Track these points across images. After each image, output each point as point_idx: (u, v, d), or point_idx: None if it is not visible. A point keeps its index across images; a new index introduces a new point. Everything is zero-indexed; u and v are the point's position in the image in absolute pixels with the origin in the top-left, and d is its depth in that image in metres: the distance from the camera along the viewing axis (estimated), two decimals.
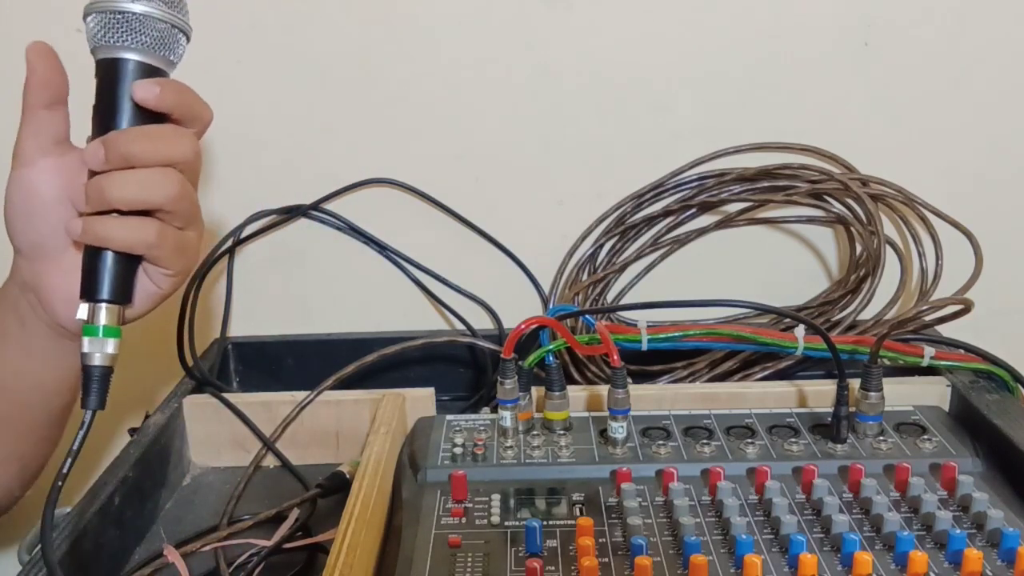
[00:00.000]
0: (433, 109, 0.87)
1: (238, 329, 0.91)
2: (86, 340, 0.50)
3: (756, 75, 0.85)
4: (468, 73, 0.86)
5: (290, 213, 0.90)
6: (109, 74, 0.49)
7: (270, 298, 0.93)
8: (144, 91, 0.49)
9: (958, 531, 0.50)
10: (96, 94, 0.50)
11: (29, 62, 0.50)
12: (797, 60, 0.85)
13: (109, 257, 0.50)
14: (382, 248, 0.91)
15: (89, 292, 0.50)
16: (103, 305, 0.50)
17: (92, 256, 0.50)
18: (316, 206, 0.89)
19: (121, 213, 0.50)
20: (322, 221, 0.90)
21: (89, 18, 0.49)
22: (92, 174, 0.49)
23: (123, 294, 0.51)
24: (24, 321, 0.56)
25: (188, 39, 0.51)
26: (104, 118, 0.49)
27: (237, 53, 0.85)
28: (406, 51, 0.85)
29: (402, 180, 0.89)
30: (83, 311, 0.50)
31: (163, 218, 0.51)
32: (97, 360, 0.50)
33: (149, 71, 0.50)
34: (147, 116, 0.50)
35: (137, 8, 0.48)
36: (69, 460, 0.47)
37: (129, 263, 0.51)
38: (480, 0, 0.84)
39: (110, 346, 0.50)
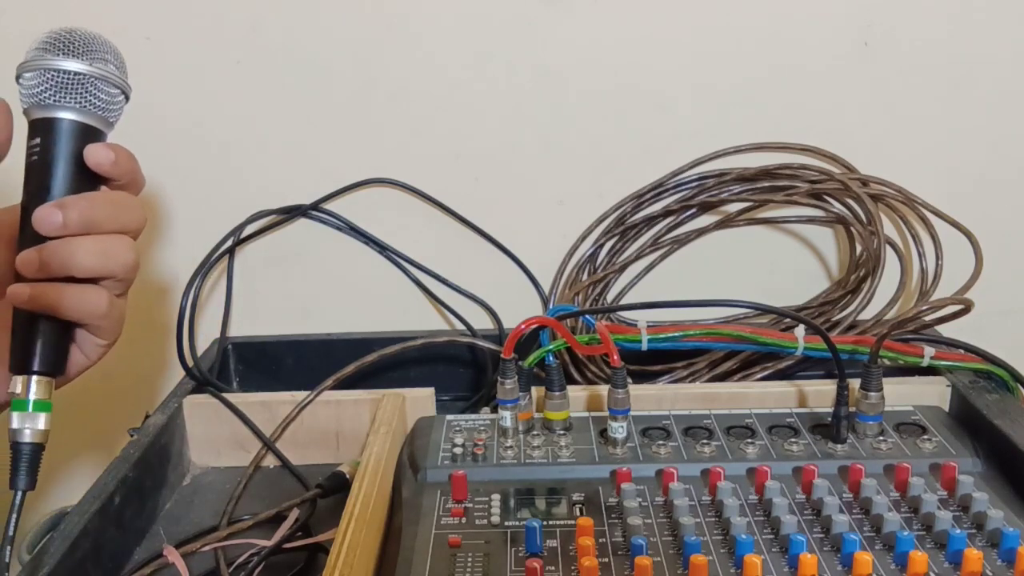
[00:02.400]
0: (433, 109, 0.87)
1: (238, 329, 0.91)
2: (15, 416, 0.46)
3: (756, 75, 0.85)
4: (468, 73, 0.86)
5: (290, 213, 0.90)
6: (48, 135, 0.46)
7: (270, 298, 0.93)
8: (99, 155, 0.47)
9: (958, 531, 0.50)
10: (31, 156, 0.47)
11: None
12: (797, 60, 0.84)
13: (46, 326, 0.47)
14: (382, 248, 0.91)
15: (22, 364, 0.47)
16: (35, 377, 0.47)
17: (26, 325, 0.47)
18: (316, 206, 0.89)
19: (74, 281, 0.47)
20: (322, 221, 0.90)
21: (26, 75, 0.46)
22: (31, 240, 0.46)
23: (57, 365, 0.48)
24: None
25: (127, 99, 0.49)
26: (42, 181, 0.46)
27: (237, 53, 0.85)
28: (406, 51, 0.85)
29: (402, 180, 0.89)
30: (14, 384, 0.47)
31: (108, 287, 0.48)
32: (27, 437, 0.46)
33: (89, 132, 0.47)
34: (89, 181, 0.47)
35: (79, 67, 0.46)
36: (8, 548, 0.45)
37: (66, 333, 0.48)
38: (480, 0, 0.84)
39: (41, 421, 0.46)
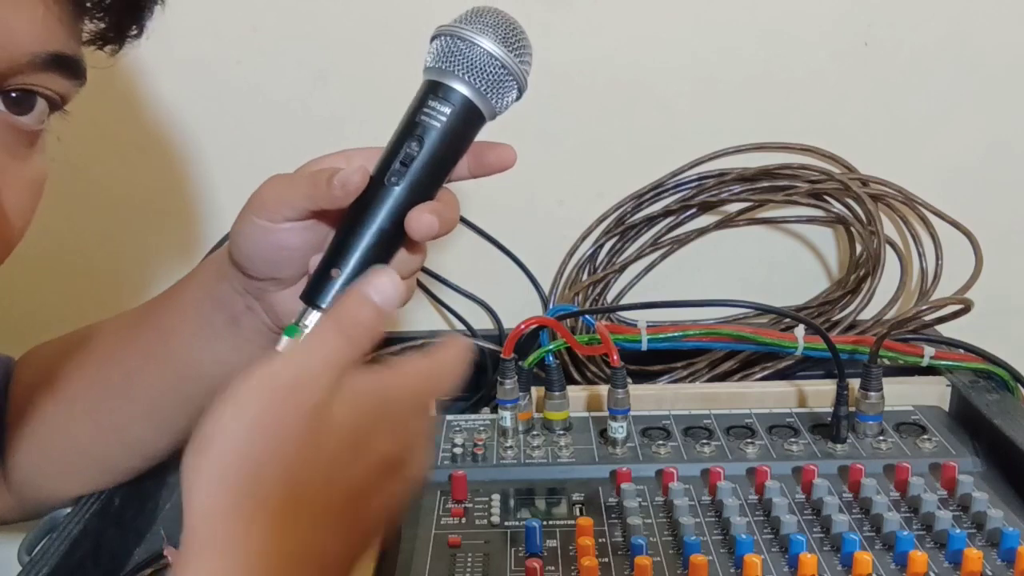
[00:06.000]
0: None
1: None
2: (285, 340, 0.47)
3: (756, 75, 0.85)
4: None
5: None
6: (454, 108, 0.52)
7: None
8: (423, 225, 0.50)
9: (958, 531, 0.50)
10: (428, 117, 0.53)
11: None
12: (797, 60, 0.84)
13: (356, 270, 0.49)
14: None
15: (318, 297, 0.48)
16: (318, 314, 0.47)
17: (339, 258, 0.49)
18: None
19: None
20: None
21: (488, 46, 0.52)
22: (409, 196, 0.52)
23: None
24: (239, 321, 0.56)
25: (520, 95, 0.53)
26: (434, 155, 0.54)
27: (237, 53, 0.85)
28: (406, 51, 0.85)
29: None
30: (302, 314, 0.47)
31: None
32: None
33: (471, 111, 0.53)
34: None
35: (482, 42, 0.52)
36: None
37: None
38: (480, 0, 0.84)
39: None
